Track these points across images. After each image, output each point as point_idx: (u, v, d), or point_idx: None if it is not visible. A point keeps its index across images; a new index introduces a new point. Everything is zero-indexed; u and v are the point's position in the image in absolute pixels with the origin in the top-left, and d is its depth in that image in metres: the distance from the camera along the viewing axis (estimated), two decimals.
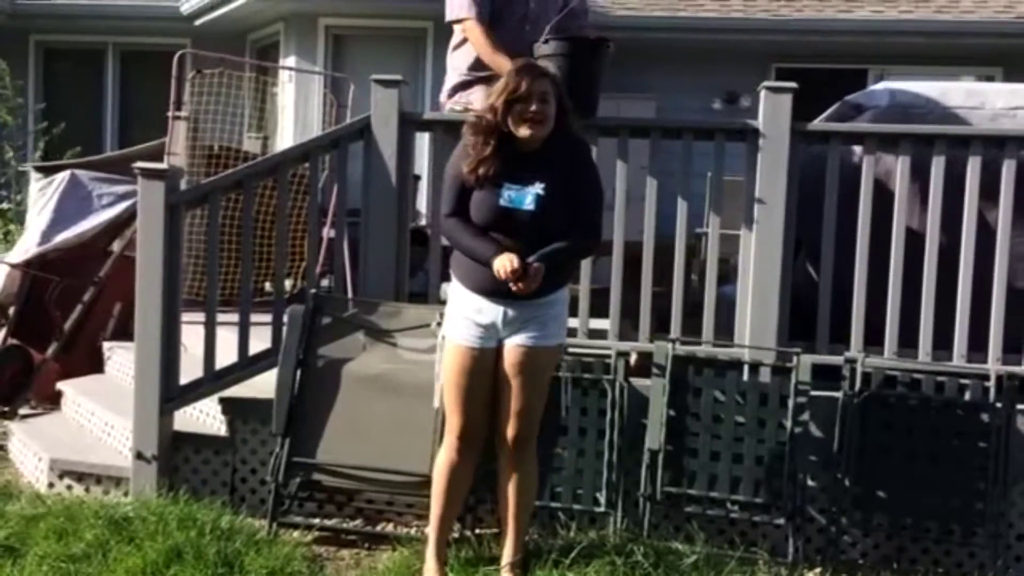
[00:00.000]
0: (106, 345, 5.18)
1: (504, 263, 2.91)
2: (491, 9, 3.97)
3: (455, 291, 3.11)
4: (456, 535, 3.42)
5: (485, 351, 3.03)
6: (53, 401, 4.94)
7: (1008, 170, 3.66)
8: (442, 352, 3.15)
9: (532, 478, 3.14)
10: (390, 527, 3.67)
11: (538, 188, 2.97)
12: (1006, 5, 8.25)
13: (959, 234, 3.67)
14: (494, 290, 2.99)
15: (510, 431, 3.03)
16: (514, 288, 2.90)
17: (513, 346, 3.02)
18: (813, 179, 3.77)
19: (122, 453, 4.01)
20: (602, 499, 3.49)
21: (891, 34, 8.07)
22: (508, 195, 2.96)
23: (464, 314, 3.05)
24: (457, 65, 4.08)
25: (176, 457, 3.85)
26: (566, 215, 3.01)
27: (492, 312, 3.01)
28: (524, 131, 2.98)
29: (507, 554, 3.12)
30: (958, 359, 3.64)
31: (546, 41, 3.80)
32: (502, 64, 3.88)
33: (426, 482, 3.37)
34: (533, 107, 2.95)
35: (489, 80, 3.76)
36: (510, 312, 3.00)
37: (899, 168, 3.72)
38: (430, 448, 3.41)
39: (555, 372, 3.33)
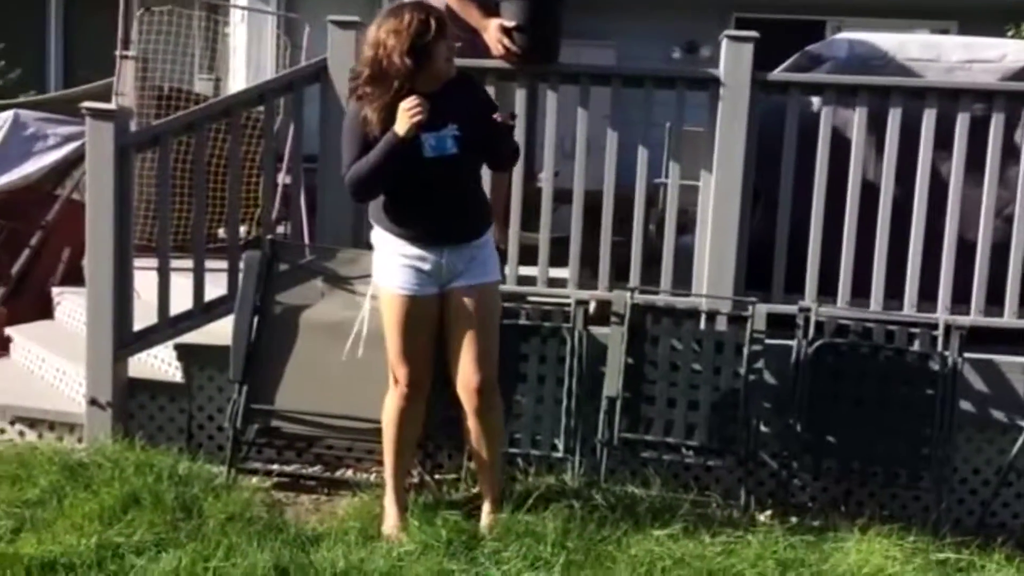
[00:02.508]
0: (55, 290, 5.07)
1: (405, 109, 2.81)
2: None
3: (386, 241, 3.04)
4: (416, 480, 3.45)
5: (428, 298, 3.00)
6: (1, 347, 4.84)
7: (962, 123, 3.71)
8: (373, 300, 3.12)
9: (501, 420, 3.15)
10: (349, 473, 3.68)
11: (453, 129, 2.93)
12: None
13: (913, 186, 3.72)
14: (438, 239, 2.97)
15: (474, 377, 3.02)
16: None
17: (462, 289, 3.00)
18: (772, 129, 3.79)
19: (75, 400, 3.96)
20: (560, 445, 3.53)
21: None
22: (430, 144, 2.91)
23: (401, 262, 3.00)
24: None
25: (131, 404, 3.81)
26: (483, 146, 3.00)
27: (432, 259, 2.98)
28: (450, 70, 2.94)
29: (486, 495, 3.15)
30: (908, 309, 3.73)
31: None
32: (473, 15, 3.80)
33: None
34: (452, 43, 2.91)
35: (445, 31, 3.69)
36: (449, 257, 2.99)
37: (856, 119, 3.76)
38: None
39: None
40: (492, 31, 3.74)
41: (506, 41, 3.70)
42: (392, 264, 3.01)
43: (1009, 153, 3.81)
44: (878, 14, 8.14)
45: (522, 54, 3.73)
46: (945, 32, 7.98)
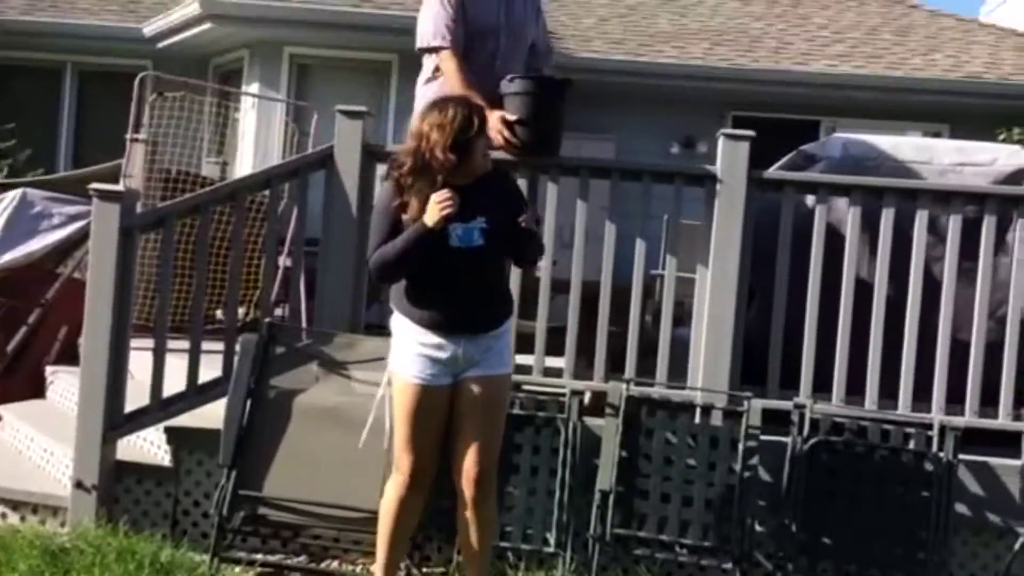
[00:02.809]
0: (49, 369, 5.05)
1: (436, 202, 2.85)
2: (463, 44, 3.96)
3: (404, 328, 3.05)
4: (403, 573, 3.37)
5: (441, 388, 2.99)
6: None
7: (954, 225, 3.77)
8: (388, 388, 3.12)
9: (494, 514, 3.11)
10: (335, 564, 3.59)
11: (481, 222, 2.95)
12: (954, 64, 8.55)
13: (907, 285, 3.75)
14: (456, 328, 2.97)
15: (474, 467, 2.98)
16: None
17: (474, 379, 2.98)
18: (767, 226, 3.84)
19: (61, 481, 3.90)
20: (552, 539, 3.47)
21: (844, 88, 8.31)
22: (456, 234, 2.93)
23: (418, 350, 2.99)
24: (430, 99, 4.06)
25: (117, 487, 3.75)
26: (509, 242, 3.02)
27: (449, 349, 2.97)
28: (486, 164, 3.00)
29: None
30: (903, 408, 3.71)
31: (511, 80, 3.84)
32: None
33: (374, 519, 3.33)
34: (488, 138, 2.98)
35: None
36: (466, 348, 2.98)
37: (850, 219, 3.81)
38: (380, 484, 3.36)
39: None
40: (494, 122, 3.80)
41: (507, 133, 3.77)
42: (409, 351, 3.00)
43: (1001, 255, 3.85)
44: (871, 116, 8.34)
45: (523, 147, 3.81)
46: (937, 135, 8.16)
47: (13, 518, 3.81)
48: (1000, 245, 3.84)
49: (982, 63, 8.60)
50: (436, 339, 2.98)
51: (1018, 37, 9.41)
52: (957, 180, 4.09)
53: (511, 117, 3.78)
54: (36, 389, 5.01)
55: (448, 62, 3.93)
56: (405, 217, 2.95)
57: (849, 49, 8.80)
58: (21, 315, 5.16)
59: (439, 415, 3.00)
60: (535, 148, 3.82)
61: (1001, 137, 7.57)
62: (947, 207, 3.79)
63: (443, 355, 2.97)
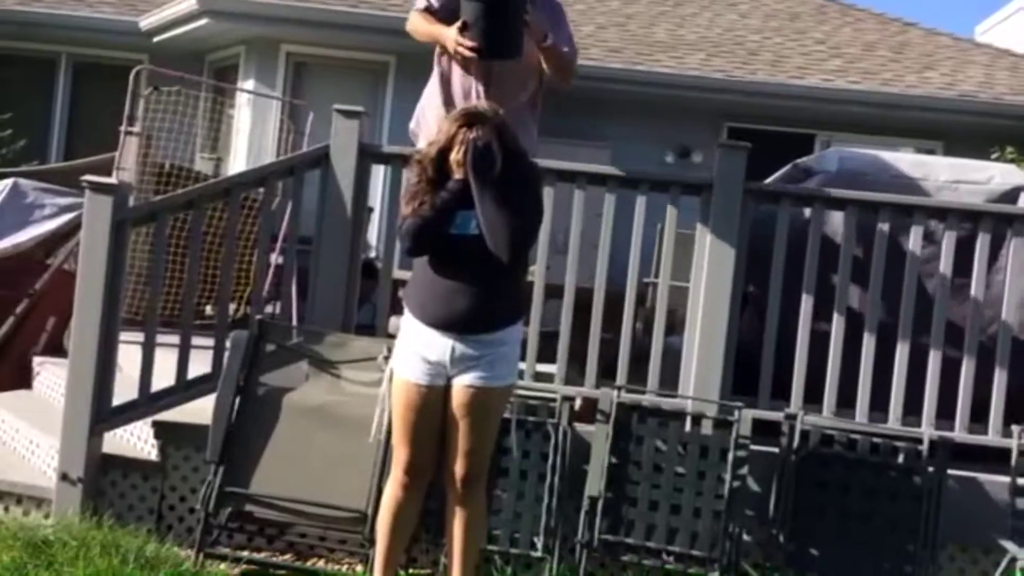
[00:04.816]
0: (36, 360, 5.01)
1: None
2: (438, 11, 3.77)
3: (406, 323, 3.06)
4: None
5: (433, 388, 2.98)
6: None
7: (948, 241, 3.78)
8: (389, 384, 3.11)
9: (480, 517, 3.09)
10: (321, 563, 3.58)
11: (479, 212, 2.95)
12: (948, 83, 8.61)
13: (900, 298, 3.76)
14: (445, 322, 2.96)
15: (458, 470, 2.99)
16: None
17: (461, 387, 2.97)
18: (762, 237, 3.84)
19: (46, 473, 3.87)
20: (539, 544, 3.46)
21: (839, 102, 8.34)
22: (456, 222, 2.96)
23: (413, 349, 3.00)
24: (429, 92, 3.95)
25: (103, 480, 3.72)
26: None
27: (440, 348, 2.96)
28: (458, 174, 2.99)
29: None
30: (893, 422, 3.72)
31: None
32: (436, 29, 3.72)
33: (361, 518, 3.32)
34: (455, 155, 2.96)
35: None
36: (458, 348, 2.96)
37: (844, 232, 3.82)
38: (368, 483, 3.35)
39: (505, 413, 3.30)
40: (451, 39, 3.62)
41: (466, 44, 3.56)
42: (407, 350, 3.01)
43: (994, 272, 3.87)
44: (866, 131, 8.37)
45: (480, 50, 3.56)
46: (931, 152, 8.19)
47: None
48: (993, 262, 3.85)
49: (977, 82, 8.65)
50: (429, 337, 2.97)
51: (1013, 58, 9.49)
52: (952, 197, 4.11)
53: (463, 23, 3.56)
54: (22, 379, 4.97)
55: (414, 17, 3.80)
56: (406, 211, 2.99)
57: (846, 64, 8.85)
58: (9, 305, 5.12)
59: (431, 414, 2.98)
60: (492, 50, 3.60)
61: (994, 156, 7.61)
62: (942, 224, 3.80)
63: (432, 356, 2.97)
